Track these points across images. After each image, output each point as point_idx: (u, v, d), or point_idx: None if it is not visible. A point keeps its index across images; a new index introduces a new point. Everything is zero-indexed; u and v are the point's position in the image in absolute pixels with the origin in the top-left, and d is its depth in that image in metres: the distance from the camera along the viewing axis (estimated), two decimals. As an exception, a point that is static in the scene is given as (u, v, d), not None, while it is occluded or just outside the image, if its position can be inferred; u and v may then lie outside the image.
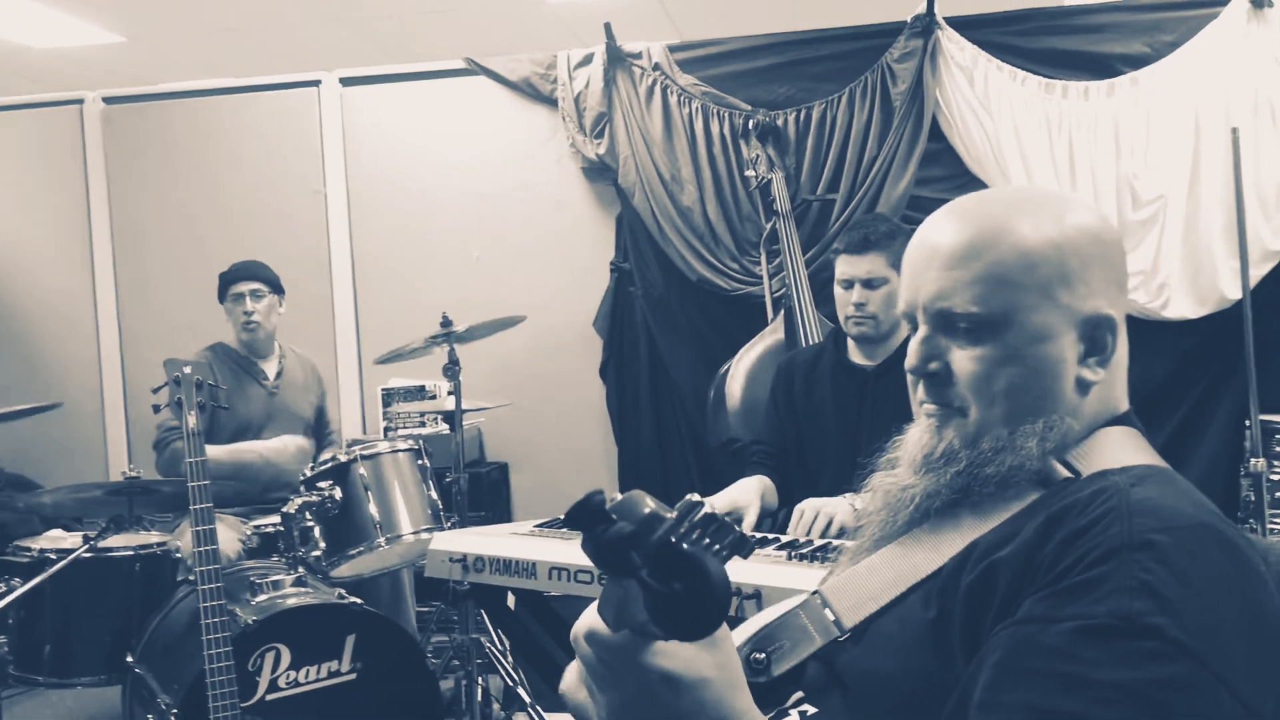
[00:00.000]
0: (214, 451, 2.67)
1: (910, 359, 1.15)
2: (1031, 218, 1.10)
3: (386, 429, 4.67)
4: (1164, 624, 0.88)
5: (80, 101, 5.03)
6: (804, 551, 2.20)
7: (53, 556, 3.04)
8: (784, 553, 2.20)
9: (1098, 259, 1.09)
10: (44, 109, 5.08)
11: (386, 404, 4.71)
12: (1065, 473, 1.07)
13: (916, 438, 1.16)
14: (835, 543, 2.28)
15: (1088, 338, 1.09)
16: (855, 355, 2.80)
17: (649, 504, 0.83)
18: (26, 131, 5.10)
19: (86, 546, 2.92)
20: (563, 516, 0.91)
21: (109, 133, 5.03)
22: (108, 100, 5.02)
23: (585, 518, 0.82)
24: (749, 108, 4.31)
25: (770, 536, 2.37)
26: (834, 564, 2.05)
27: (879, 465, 1.23)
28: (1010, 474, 1.08)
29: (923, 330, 1.14)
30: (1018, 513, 1.05)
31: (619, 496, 0.84)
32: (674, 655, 0.89)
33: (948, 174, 4.21)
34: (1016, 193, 1.20)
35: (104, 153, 5.04)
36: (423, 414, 4.62)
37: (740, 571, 2.07)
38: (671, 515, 0.83)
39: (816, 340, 3.71)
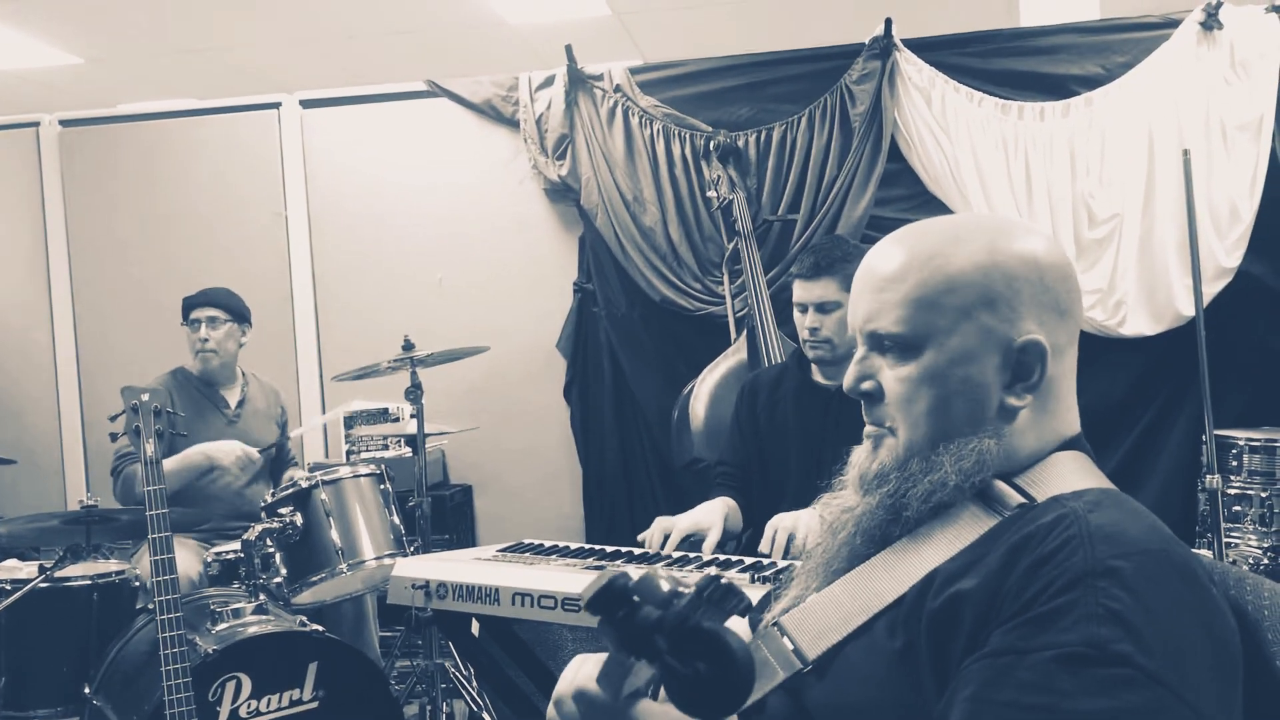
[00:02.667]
0: (164, 464, 2.64)
1: (846, 379, 1.18)
2: (966, 244, 1.11)
3: (349, 452, 4.64)
4: (1131, 651, 0.89)
5: (36, 124, 4.97)
6: (766, 574, 2.20)
7: (7, 587, 2.98)
8: (747, 575, 2.21)
9: (1031, 285, 1.10)
10: (-1, 131, 5.03)
11: (349, 427, 4.68)
12: (1018, 498, 1.08)
13: (858, 459, 1.19)
14: (798, 563, 2.28)
15: (1014, 363, 1.10)
16: (818, 375, 2.82)
17: (665, 583, 0.82)
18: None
19: (43, 576, 2.87)
20: (580, 601, 0.89)
21: (66, 156, 4.98)
22: (64, 123, 4.97)
23: (609, 602, 0.81)
24: (710, 129, 4.34)
25: (734, 559, 2.38)
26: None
27: (833, 487, 1.24)
28: (931, 494, 1.09)
29: (859, 351, 1.18)
30: (977, 540, 1.05)
31: (633, 576, 0.83)
32: (660, 715, 0.91)
33: (907, 194, 4.25)
34: (961, 219, 1.22)
35: (61, 176, 4.98)
36: (385, 437, 4.59)
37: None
38: (689, 591, 0.82)
39: (779, 360, 3.72)
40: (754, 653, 1.14)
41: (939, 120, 4.16)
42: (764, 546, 2.43)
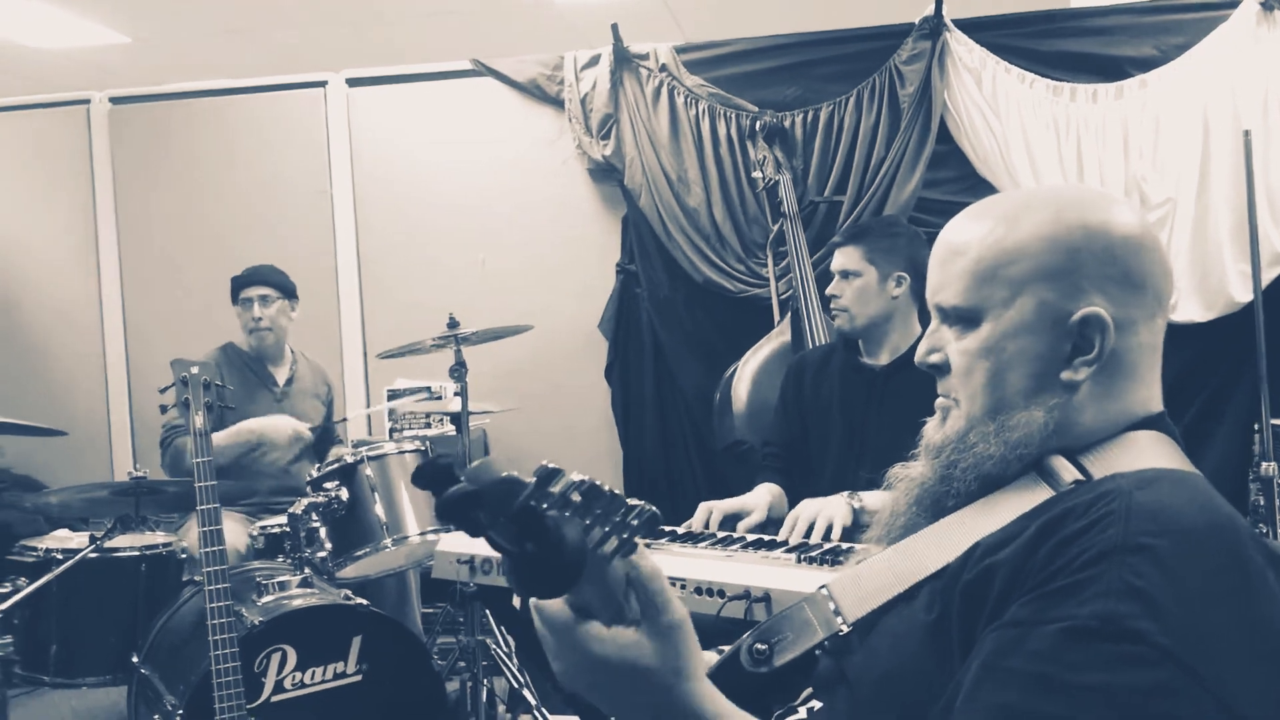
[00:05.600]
0: (214, 438, 2.66)
1: (918, 351, 1.20)
2: (1031, 215, 1.11)
3: (392, 430, 4.66)
4: (1149, 628, 0.87)
5: (87, 102, 5.02)
6: (813, 554, 2.19)
7: (59, 556, 3.03)
8: (793, 555, 2.20)
9: (1096, 257, 1.08)
10: (51, 109, 5.07)
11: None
12: (1074, 474, 1.06)
13: (929, 430, 1.20)
14: (845, 545, 2.27)
15: (1074, 336, 1.08)
16: (865, 354, 2.80)
17: (505, 470, 0.87)
18: (33, 132, 5.09)
19: (93, 547, 2.91)
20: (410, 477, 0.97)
21: (115, 133, 5.02)
22: (114, 100, 5.02)
23: (430, 477, 0.86)
24: (756, 109, 4.31)
25: (778, 540, 2.37)
26: (844, 565, 2.06)
27: (907, 458, 1.24)
28: (978, 466, 1.09)
29: (932, 324, 1.19)
30: (1024, 514, 1.04)
31: (477, 461, 0.88)
32: (608, 640, 0.93)
33: (956, 176, 4.21)
34: (1038, 190, 1.22)
35: (110, 153, 5.03)
36: (428, 415, 4.61)
37: (750, 574, 2.06)
38: (530, 481, 0.86)
39: (823, 342, 3.70)
40: (797, 613, 1.15)
41: (989, 101, 4.11)
42: (783, 532, 2.43)
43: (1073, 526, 0.95)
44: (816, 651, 1.14)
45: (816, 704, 1.14)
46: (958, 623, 1.00)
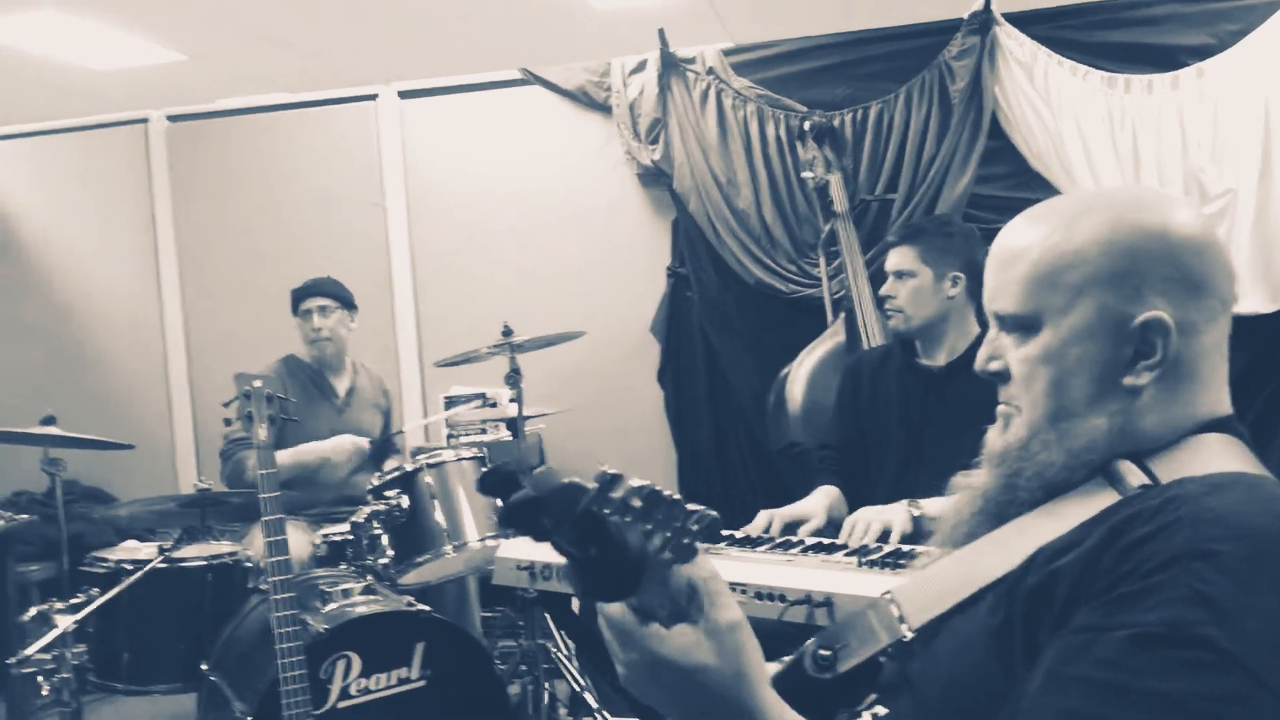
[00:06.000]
0: (277, 457, 2.71)
1: (978, 358, 1.19)
2: (1090, 219, 1.09)
3: (449, 436, 4.70)
4: (1217, 635, 0.86)
5: (145, 120, 5.13)
6: (874, 558, 2.18)
7: (129, 567, 3.09)
8: (854, 559, 2.19)
9: (1156, 260, 1.06)
10: (110, 129, 5.19)
11: (448, 411, 4.75)
12: (1141, 478, 1.05)
13: (992, 437, 1.18)
14: (906, 548, 2.25)
15: (1136, 341, 1.07)
16: (923, 355, 2.78)
17: (568, 477, 0.88)
18: (94, 152, 5.22)
19: (161, 557, 2.97)
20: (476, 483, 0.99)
21: (173, 150, 5.13)
22: (172, 119, 5.12)
23: (495, 484, 0.88)
24: (805, 109, 4.30)
25: (839, 544, 2.36)
26: (905, 570, 2.05)
27: (968, 461, 1.24)
28: (1041, 474, 1.08)
29: (991, 331, 1.17)
30: (1088, 520, 1.03)
31: (540, 469, 0.91)
32: (668, 641, 0.93)
33: (1009, 171, 4.17)
34: (1097, 193, 1.21)
35: (169, 170, 5.14)
36: (484, 421, 4.65)
37: (810, 579, 2.06)
38: (592, 487, 0.88)
39: (878, 342, 3.68)
40: (861, 619, 1.15)
41: (1042, 95, 4.06)
42: (842, 537, 2.41)
43: (1139, 531, 0.94)
44: (880, 657, 1.14)
45: (881, 709, 1.14)
46: (1022, 628, 1.00)
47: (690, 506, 0.91)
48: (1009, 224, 1.17)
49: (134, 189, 5.16)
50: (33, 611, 2.77)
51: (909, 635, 1.11)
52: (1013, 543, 1.08)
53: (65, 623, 2.63)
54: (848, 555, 2.24)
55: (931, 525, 2.36)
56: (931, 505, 2.42)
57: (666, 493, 0.90)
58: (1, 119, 5.19)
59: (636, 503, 0.88)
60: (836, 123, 4.26)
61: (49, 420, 3.22)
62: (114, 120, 5.16)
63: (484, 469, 0.93)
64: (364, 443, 3.70)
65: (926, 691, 1.08)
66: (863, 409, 2.85)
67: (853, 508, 2.70)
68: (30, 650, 2.58)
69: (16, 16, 3.71)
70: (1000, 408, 1.17)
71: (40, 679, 2.68)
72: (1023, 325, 1.11)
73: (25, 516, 4.29)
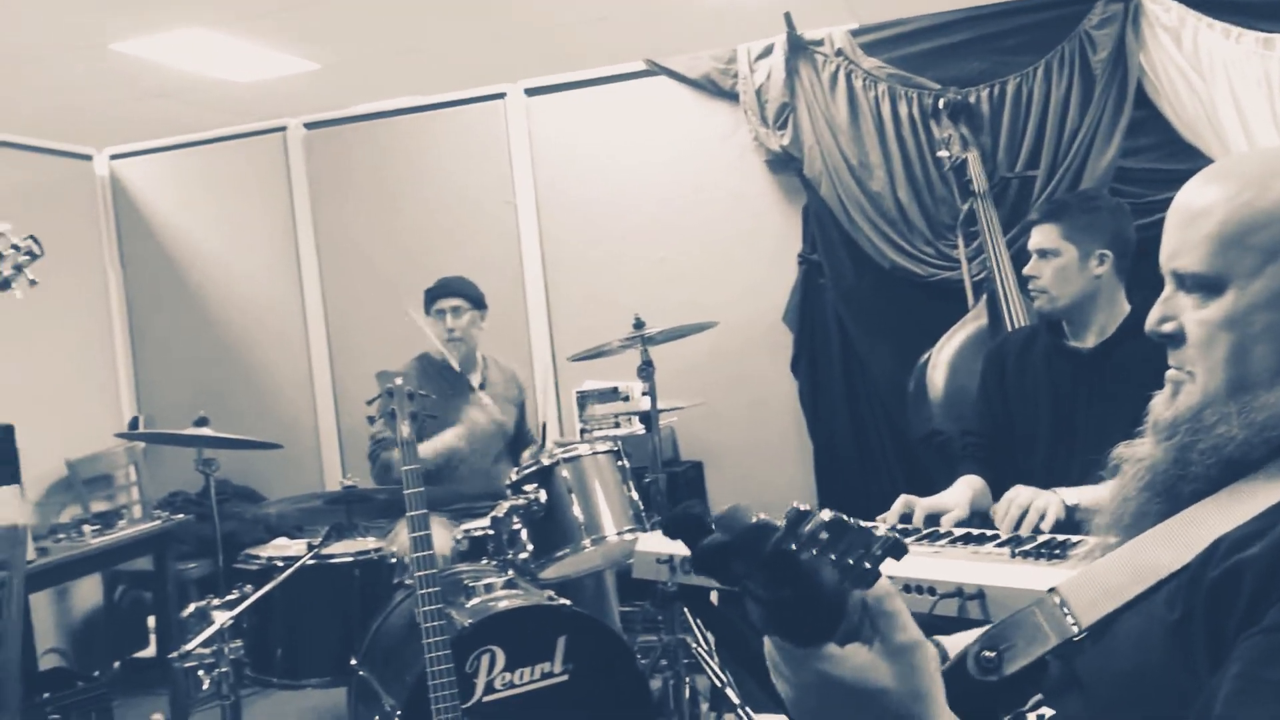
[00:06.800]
0: (420, 449, 2.76)
1: (1149, 319, 1.13)
2: None
3: (582, 431, 4.72)
4: None
5: (283, 129, 5.29)
6: (1027, 548, 2.09)
7: (280, 564, 3.19)
8: (1006, 549, 2.10)
9: None
10: (251, 138, 5.36)
11: (581, 407, 4.77)
12: None
13: (1157, 404, 1.13)
14: (1060, 538, 2.16)
15: None
16: (1070, 337, 2.66)
17: (754, 515, 0.84)
18: (236, 160, 5.40)
19: (311, 554, 3.05)
20: (660, 526, 0.94)
21: (311, 156, 5.27)
22: (308, 126, 5.27)
23: (682, 528, 0.85)
24: (938, 86, 4.18)
25: (988, 534, 2.27)
26: (1062, 560, 1.96)
27: (1133, 436, 1.17)
28: (1218, 450, 1.02)
29: (1166, 290, 1.12)
30: (1272, 507, 0.97)
31: (726, 507, 0.85)
32: (843, 661, 0.87)
33: (1157, 142, 3.98)
34: None
35: (307, 175, 5.29)
36: (617, 415, 4.65)
37: (961, 571, 1.99)
38: (780, 524, 0.83)
39: (1022, 324, 3.55)
40: (1027, 617, 1.09)
41: (1191, 61, 3.86)
42: (996, 511, 2.33)
43: None
44: (1046, 656, 1.08)
45: (1046, 710, 1.09)
46: (1203, 623, 0.94)
47: (876, 530, 0.87)
48: (1190, 182, 1.11)
49: (275, 195, 5.33)
50: (191, 608, 2.87)
51: (1080, 634, 1.05)
52: (1188, 533, 1.02)
53: (222, 618, 2.71)
54: (998, 546, 2.16)
55: (1084, 515, 2.27)
56: (1084, 494, 2.32)
57: (851, 521, 0.85)
58: (151, 133, 5.42)
59: (823, 535, 0.84)
60: (972, 99, 4.13)
61: (202, 422, 3.34)
62: (254, 130, 5.33)
63: (670, 512, 0.90)
64: (498, 413, 3.81)
65: (1099, 691, 1.03)
66: (1009, 394, 2.75)
67: (998, 496, 2.60)
68: (191, 645, 2.67)
69: (164, 35, 3.85)
70: (1170, 373, 1.11)
71: (201, 673, 2.77)
72: (1205, 286, 1.05)
73: (181, 516, 4.48)
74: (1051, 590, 1.12)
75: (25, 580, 3.00)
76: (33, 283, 2.61)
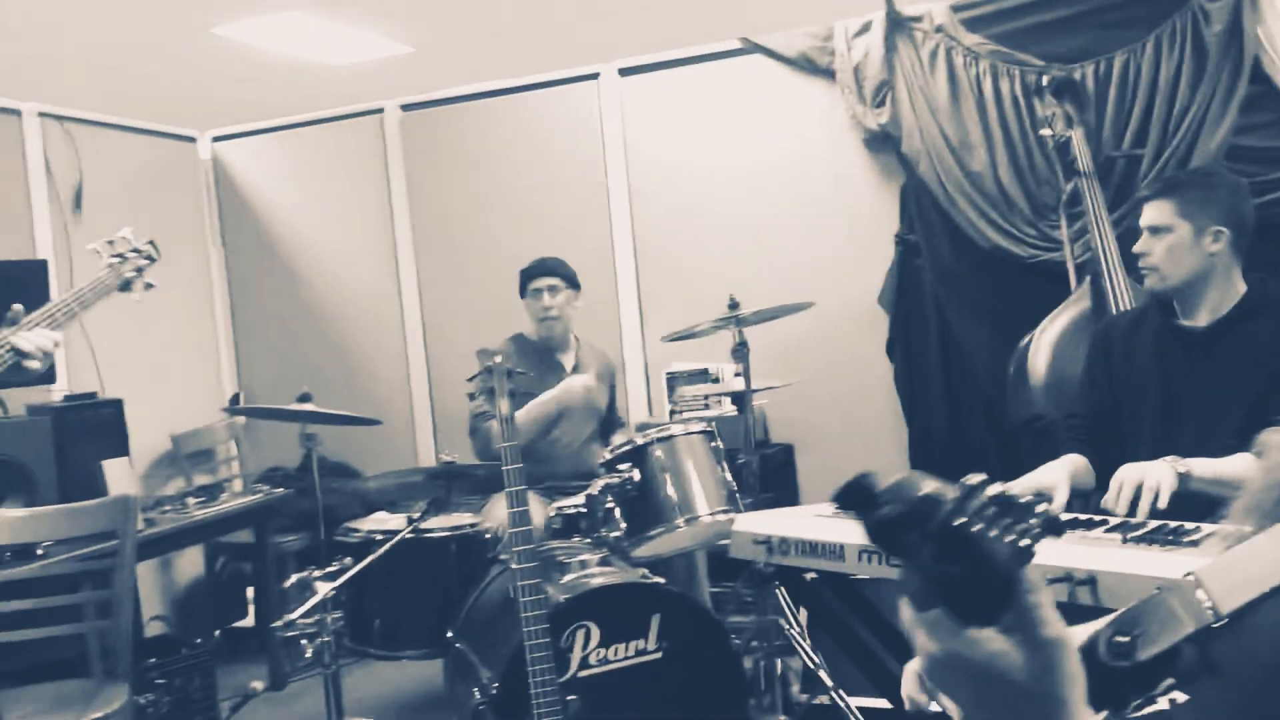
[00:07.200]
0: (518, 414, 2.78)
1: None
2: None
3: (672, 412, 4.72)
4: None
5: (381, 111, 5.36)
6: (1139, 534, 2.04)
7: (379, 537, 3.24)
8: (1117, 535, 2.05)
9: None
10: (349, 120, 5.45)
11: (671, 388, 4.76)
12: None
13: None
14: (1173, 524, 2.09)
15: None
16: (1182, 316, 2.58)
17: (926, 485, 0.81)
18: (336, 142, 5.49)
19: (410, 528, 3.09)
20: (831, 498, 0.90)
21: (407, 138, 5.34)
22: (405, 108, 5.34)
23: (854, 499, 0.83)
24: (1042, 63, 4.07)
25: (1096, 519, 2.22)
26: (1176, 546, 1.90)
27: (1236, 426, 1.12)
28: None
29: None
30: None
31: (897, 477, 0.83)
32: (975, 643, 0.84)
33: (1274, 119, 3.83)
34: None
35: (403, 157, 5.35)
36: (706, 396, 4.64)
37: (1070, 556, 1.94)
38: (952, 496, 0.80)
39: (1128, 307, 3.45)
40: (1161, 602, 1.06)
41: (1312, 34, 3.70)
42: (1108, 500, 2.26)
43: None
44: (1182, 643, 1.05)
45: (1179, 695, 1.05)
46: None
47: (1038, 506, 0.84)
48: None
49: (372, 176, 5.41)
50: (293, 579, 2.93)
51: (1219, 621, 1.02)
52: None
53: (325, 589, 2.77)
54: (1108, 531, 2.11)
55: (1194, 485, 2.20)
56: (1199, 465, 2.24)
57: (1018, 494, 0.83)
58: (251, 116, 5.54)
59: (991, 509, 0.81)
60: (1077, 76, 4.01)
61: (305, 398, 3.41)
62: (353, 112, 5.42)
63: (844, 484, 0.88)
64: (590, 379, 3.77)
65: (1241, 677, 0.99)
66: (1115, 374, 2.68)
67: (1102, 479, 2.54)
68: (295, 614, 2.73)
69: (264, 19, 3.93)
70: None
71: (304, 642, 2.83)
72: None
73: (281, 490, 4.58)
74: (1189, 574, 1.08)
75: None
76: (149, 286, 2.70)
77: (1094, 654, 1.08)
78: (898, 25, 4.28)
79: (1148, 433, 2.57)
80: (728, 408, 4.53)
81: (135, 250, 2.66)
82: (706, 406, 4.65)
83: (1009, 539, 0.81)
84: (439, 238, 5.32)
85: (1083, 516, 2.25)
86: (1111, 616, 1.13)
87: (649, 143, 4.90)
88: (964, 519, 0.80)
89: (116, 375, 4.62)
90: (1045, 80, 3.96)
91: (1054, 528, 0.82)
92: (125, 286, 2.65)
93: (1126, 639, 1.07)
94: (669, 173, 4.87)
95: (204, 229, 5.67)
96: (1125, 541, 2.00)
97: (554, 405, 3.73)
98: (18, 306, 2.35)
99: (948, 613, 0.84)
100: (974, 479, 0.81)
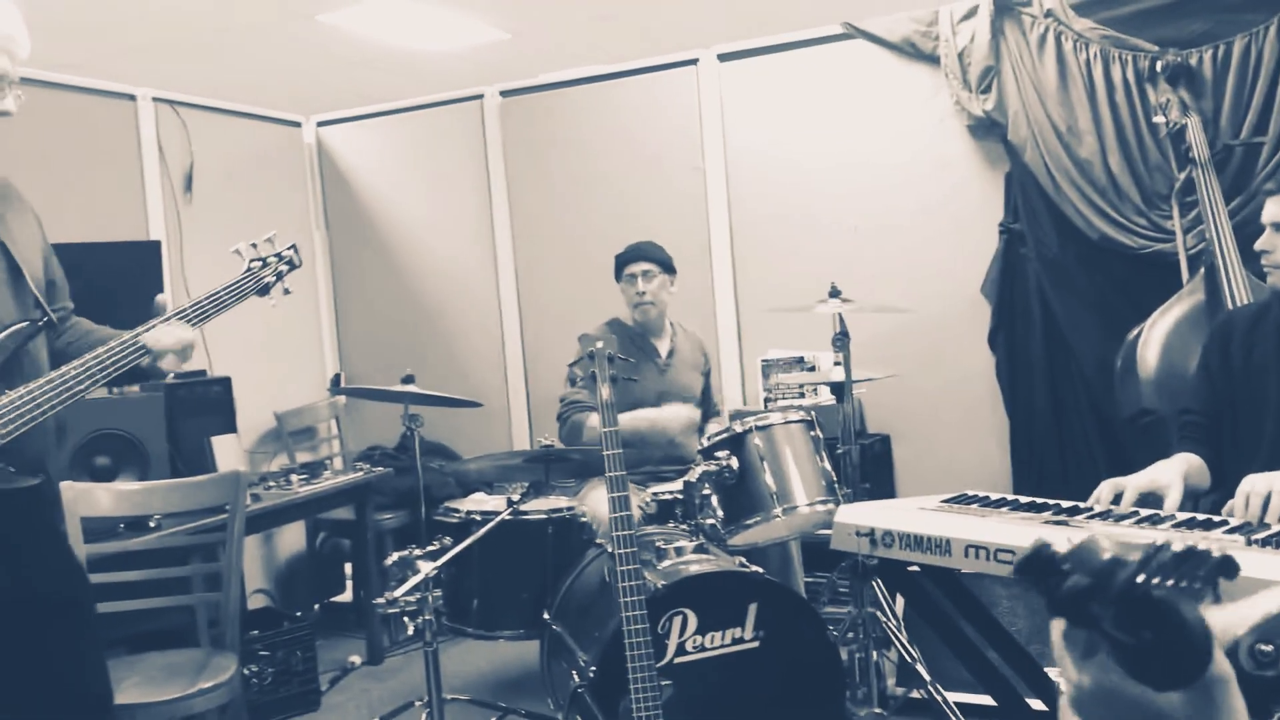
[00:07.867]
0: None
1: None
2: None
3: (766, 400, 4.70)
4: None
5: (480, 97, 5.41)
6: (1263, 536, 1.97)
7: (478, 518, 3.28)
8: (1240, 537, 1.99)
9: None
10: (450, 106, 5.51)
11: (766, 375, 4.74)
12: None
13: None
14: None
15: None
16: (1307, 312, 2.49)
17: (1106, 550, 0.77)
18: (435, 128, 5.56)
19: (510, 510, 3.12)
20: (1012, 569, 0.87)
21: (506, 124, 5.39)
22: (504, 94, 5.38)
23: (1035, 570, 0.79)
24: (1156, 48, 3.95)
25: (1216, 519, 2.15)
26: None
27: None
28: None
29: None
30: None
31: (1075, 541, 0.79)
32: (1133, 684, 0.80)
33: (1405, 106, 3.66)
34: None
35: (502, 143, 5.40)
36: (801, 385, 4.60)
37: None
38: (1134, 559, 0.76)
39: (1243, 301, 3.34)
40: None
41: None
42: (1234, 508, 2.18)
43: None
44: None
45: None
46: None
47: (1213, 551, 0.81)
48: None
49: (471, 162, 5.47)
50: (395, 556, 2.98)
51: None
52: None
53: (428, 568, 2.81)
54: (1228, 532, 2.04)
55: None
56: None
57: (1198, 545, 0.78)
58: (350, 102, 5.63)
59: (1174, 566, 0.77)
60: (1194, 61, 3.89)
61: (409, 379, 3.47)
62: (453, 98, 5.47)
63: (1023, 556, 0.85)
64: (696, 415, 3.76)
65: None
66: (1234, 371, 2.60)
67: (1218, 478, 2.46)
68: (399, 591, 2.78)
69: (367, 6, 3.99)
70: None
71: (406, 619, 2.88)
72: None
73: (381, 469, 4.67)
74: None
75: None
76: (287, 291, 2.65)
77: (1234, 662, 1.05)
78: (1005, 10, 4.19)
79: (1270, 432, 2.49)
80: (824, 396, 4.49)
81: (277, 255, 2.61)
82: (802, 395, 4.62)
83: (1187, 586, 0.77)
84: (536, 223, 5.36)
85: (1200, 517, 2.19)
86: (1251, 622, 1.10)
87: (747, 129, 4.86)
88: (1144, 577, 0.76)
89: (224, 354, 4.75)
90: (1159, 66, 3.85)
91: (1227, 570, 0.78)
92: (264, 291, 2.59)
93: (1271, 648, 1.03)
94: (767, 160, 4.83)
95: (308, 212, 5.79)
96: (1250, 544, 1.94)
97: (649, 425, 3.73)
98: (162, 297, 2.37)
99: (1145, 683, 0.80)
100: (1159, 542, 0.77)
